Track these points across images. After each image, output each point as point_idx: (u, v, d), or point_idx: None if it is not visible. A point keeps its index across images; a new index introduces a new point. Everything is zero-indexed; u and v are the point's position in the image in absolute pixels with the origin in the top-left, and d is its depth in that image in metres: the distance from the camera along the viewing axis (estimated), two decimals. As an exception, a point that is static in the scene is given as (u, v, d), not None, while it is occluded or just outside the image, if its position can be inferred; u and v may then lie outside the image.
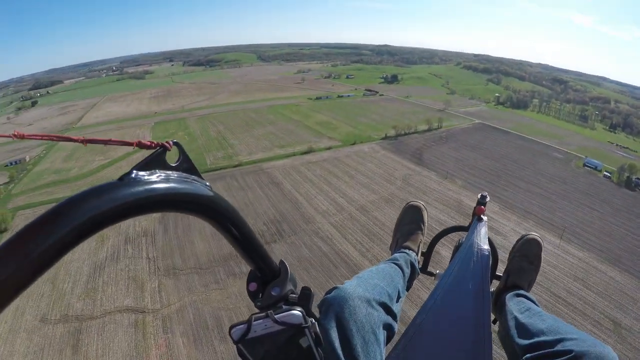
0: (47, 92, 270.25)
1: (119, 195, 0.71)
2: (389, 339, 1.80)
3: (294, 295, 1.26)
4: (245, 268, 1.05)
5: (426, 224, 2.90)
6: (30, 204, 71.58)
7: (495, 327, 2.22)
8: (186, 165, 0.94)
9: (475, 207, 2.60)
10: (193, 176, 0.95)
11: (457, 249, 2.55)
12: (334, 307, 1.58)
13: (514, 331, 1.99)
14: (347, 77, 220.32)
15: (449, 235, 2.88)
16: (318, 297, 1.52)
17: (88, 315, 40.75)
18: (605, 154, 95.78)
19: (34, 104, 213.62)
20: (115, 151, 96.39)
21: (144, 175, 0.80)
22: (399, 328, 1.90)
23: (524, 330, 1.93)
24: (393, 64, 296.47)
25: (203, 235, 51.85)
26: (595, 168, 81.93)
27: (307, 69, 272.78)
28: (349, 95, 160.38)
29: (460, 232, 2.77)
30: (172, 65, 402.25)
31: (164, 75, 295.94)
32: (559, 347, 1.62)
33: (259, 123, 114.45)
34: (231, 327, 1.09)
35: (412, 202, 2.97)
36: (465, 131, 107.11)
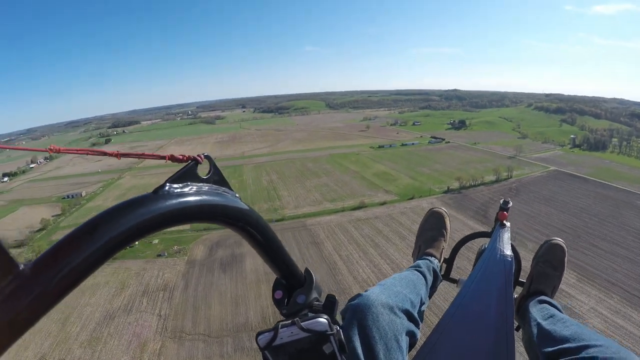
0: (123, 131, 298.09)
1: (153, 207, 0.75)
2: (411, 345, 1.87)
3: (319, 303, 1.33)
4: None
5: (448, 231, 2.93)
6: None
7: (519, 334, 2.27)
8: (217, 178, 1.00)
9: (497, 213, 2.65)
10: (223, 188, 1.01)
11: (479, 255, 2.59)
12: (357, 314, 1.65)
13: (537, 338, 2.02)
14: (414, 124, 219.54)
15: (472, 242, 2.92)
16: (342, 304, 1.54)
17: (83, 366, 39.48)
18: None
19: (107, 141, 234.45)
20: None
21: (176, 188, 0.85)
22: (421, 334, 1.95)
23: (547, 336, 1.96)
24: (462, 108, 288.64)
25: (222, 298, 48.60)
26: (692, 219, 68.40)
27: (373, 116, 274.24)
28: (413, 144, 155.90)
29: (483, 239, 2.74)
30: (244, 111, 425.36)
31: (233, 121, 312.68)
32: (582, 354, 1.64)
33: (314, 173, 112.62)
34: (258, 334, 1.14)
35: (434, 209, 3.03)
36: (538, 180, 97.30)
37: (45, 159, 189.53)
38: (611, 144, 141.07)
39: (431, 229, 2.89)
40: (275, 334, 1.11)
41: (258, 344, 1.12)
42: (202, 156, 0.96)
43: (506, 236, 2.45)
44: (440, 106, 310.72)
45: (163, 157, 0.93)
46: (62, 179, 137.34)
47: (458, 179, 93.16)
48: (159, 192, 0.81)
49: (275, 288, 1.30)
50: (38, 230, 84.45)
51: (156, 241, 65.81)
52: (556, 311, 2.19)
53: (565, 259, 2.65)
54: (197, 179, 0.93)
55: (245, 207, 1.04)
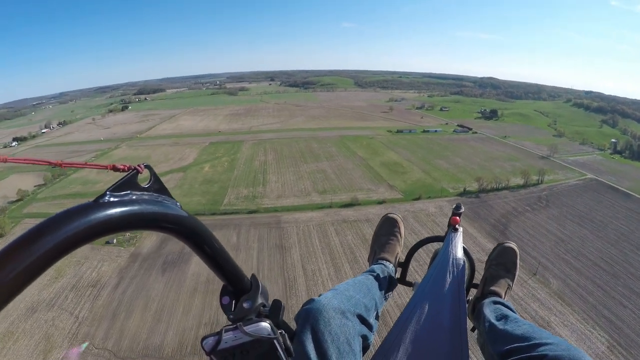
0: (145, 99, 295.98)
1: (94, 216, 0.77)
2: (365, 348, 1.94)
3: (266, 308, 1.40)
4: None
5: (403, 236, 3.02)
6: (39, 213, 69.23)
7: (475, 335, 2.36)
8: (157, 186, 1.04)
9: (450, 218, 2.66)
10: (163, 196, 1.05)
11: (433, 259, 2.65)
12: (310, 319, 1.69)
13: (490, 338, 2.10)
14: (441, 110, 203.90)
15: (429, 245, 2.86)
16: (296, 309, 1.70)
17: (-12, 365, 35.91)
18: None
19: (124, 108, 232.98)
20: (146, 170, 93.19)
21: (117, 197, 0.88)
22: (378, 337, 2.00)
23: (500, 336, 2.02)
24: (495, 97, 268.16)
25: (147, 307, 41.84)
26: None
27: (400, 97, 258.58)
28: (435, 131, 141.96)
29: (438, 243, 2.78)
30: (270, 84, 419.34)
31: (255, 93, 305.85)
32: (534, 352, 1.69)
33: (315, 156, 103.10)
34: (203, 339, 1.20)
35: (388, 214, 3.08)
36: (573, 190, 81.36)
37: (59, 124, 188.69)
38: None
39: (386, 234, 2.95)
40: (219, 338, 1.15)
41: (203, 348, 1.16)
42: (143, 166, 1.00)
43: (458, 240, 2.46)
44: (473, 93, 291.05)
45: (105, 167, 0.97)
46: (66, 145, 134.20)
47: (478, 179, 79.80)
48: (99, 201, 0.83)
49: (222, 294, 1.34)
50: (15, 201, 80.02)
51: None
52: (509, 311, 2.24)
53: (518, 260, 2.70)
54: (137, 187, 0.96)
55: (185, 214, 1.05)
